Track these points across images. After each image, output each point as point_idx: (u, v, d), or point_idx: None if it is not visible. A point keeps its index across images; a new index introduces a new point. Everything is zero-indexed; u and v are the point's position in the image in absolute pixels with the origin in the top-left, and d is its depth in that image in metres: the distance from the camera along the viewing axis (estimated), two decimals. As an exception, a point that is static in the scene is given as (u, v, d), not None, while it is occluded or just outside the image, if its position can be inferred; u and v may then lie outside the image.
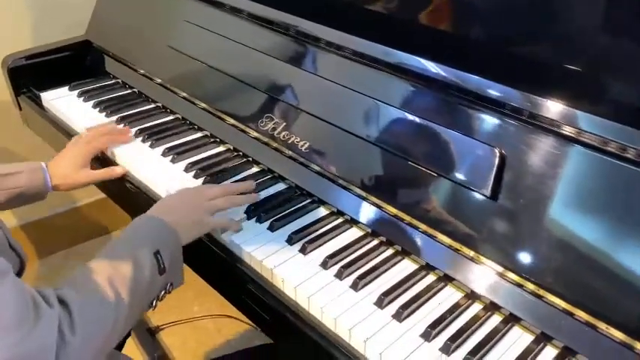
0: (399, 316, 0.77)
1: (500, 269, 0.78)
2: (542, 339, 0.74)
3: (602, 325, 0.69)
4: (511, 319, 0.77)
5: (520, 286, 0.76)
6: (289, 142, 1.01)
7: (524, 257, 0.76)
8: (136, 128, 1.19)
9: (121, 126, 1.21)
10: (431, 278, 0.84)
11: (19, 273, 0.87)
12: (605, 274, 0.70)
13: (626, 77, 0.80)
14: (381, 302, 0.78)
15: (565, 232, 0.74)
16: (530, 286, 0.75)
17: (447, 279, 0.83)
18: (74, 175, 1.06)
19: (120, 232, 0.84)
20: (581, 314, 0.71)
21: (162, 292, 0.83)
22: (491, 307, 0.79)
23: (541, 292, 0.74)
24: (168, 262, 0.80)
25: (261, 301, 0.84)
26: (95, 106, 1.29)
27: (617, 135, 0.72)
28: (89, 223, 2.04)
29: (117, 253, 0.77)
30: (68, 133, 1.23)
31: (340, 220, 0.94)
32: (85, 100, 1.32)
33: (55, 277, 1.88)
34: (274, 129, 1.04)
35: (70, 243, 2.02)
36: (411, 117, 0.90)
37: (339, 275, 0.83)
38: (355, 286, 0.81)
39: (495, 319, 0.78)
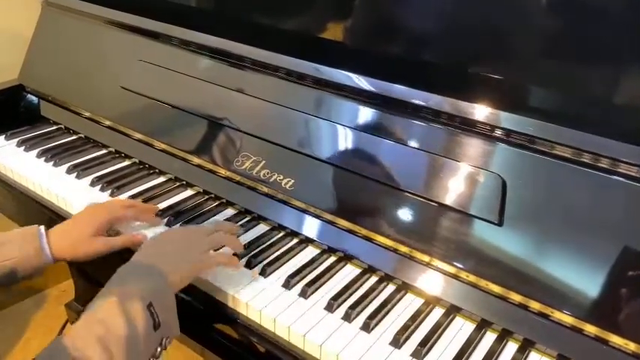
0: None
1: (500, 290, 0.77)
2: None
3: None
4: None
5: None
6: (271, 180, 0.97)
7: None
8: (92, 176, 1.10)
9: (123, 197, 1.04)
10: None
11: None
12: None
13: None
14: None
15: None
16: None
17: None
18: (88, 243, 0.89)
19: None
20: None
21: (159, 350, 0.73)
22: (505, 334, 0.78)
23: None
24: (163, 314, 0.72)
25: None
26: (40, 155, 1.18)
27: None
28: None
29: (106, 310, 0.68)
30: (12, 187, 1.12)
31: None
32: (27, 150, 1.20)
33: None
34: (251, 167, 0.99)
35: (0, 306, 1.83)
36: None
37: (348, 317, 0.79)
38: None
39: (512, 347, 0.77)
